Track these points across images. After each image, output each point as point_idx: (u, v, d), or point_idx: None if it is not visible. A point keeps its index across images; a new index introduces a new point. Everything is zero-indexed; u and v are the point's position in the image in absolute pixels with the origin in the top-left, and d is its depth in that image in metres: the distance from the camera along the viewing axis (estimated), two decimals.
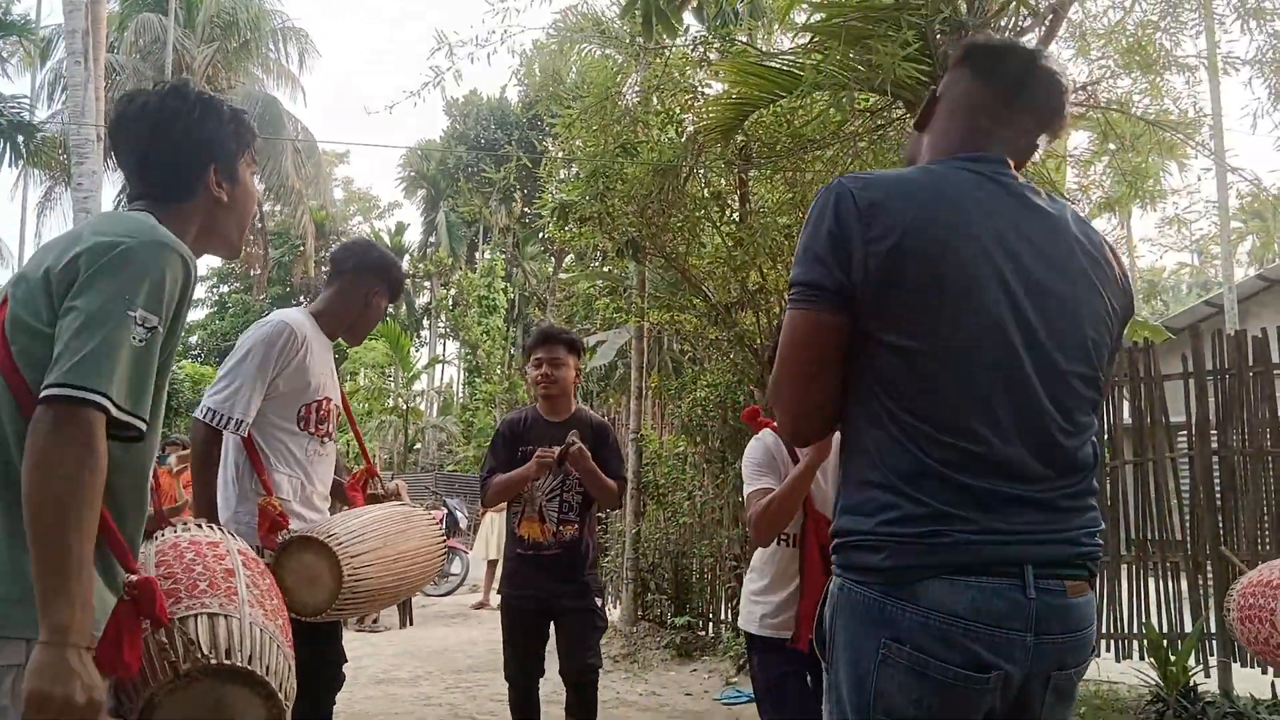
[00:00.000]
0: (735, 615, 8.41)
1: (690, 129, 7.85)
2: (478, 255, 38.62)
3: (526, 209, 32.35)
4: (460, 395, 38.47)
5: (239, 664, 1.82)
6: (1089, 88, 7.93)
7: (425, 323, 42.23)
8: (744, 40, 7.67)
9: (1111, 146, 8.62)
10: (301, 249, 35.79)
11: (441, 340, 43.19)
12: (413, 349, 37.39)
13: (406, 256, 40.09)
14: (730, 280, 7.73)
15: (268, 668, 1.87)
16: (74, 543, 1.52)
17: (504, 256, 33.70)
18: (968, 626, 1.46)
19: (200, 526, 2.26)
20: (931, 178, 1.62)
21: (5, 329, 1.70)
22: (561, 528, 4.27)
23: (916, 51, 5.42)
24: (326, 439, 3.47)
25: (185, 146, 1.94)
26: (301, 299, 39.43)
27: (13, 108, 25.60)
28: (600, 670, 4.30)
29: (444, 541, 3.68)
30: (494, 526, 12.54)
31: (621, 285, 11.31)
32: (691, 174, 7.74)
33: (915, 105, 6.38)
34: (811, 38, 6.46)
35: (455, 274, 35.70)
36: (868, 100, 7.04)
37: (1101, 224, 17.27)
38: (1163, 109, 7.92)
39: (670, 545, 8.60)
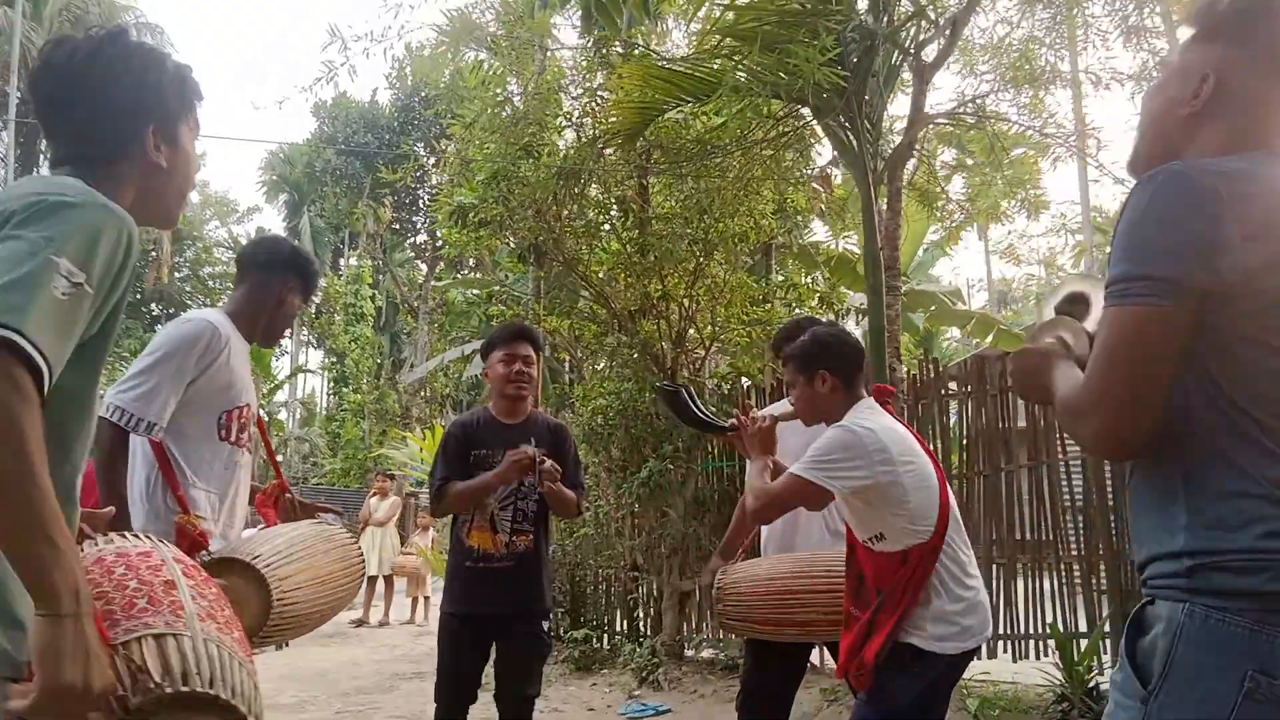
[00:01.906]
0: (631, 627, 8.29)
1: (591, 133, 7.73)
2: (343, 261, 37.63)
3: (396, 214, 31.68)
4: (325, 406, 37.36)
5: (199, 688, 1.58)
6: (976, 100, 8.14)
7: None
8: (644, 45, 7.59)
9: (980, 159, 8.90)
10: (155, 255, 34.18)
11: (304, 348, 41.90)
12: (273, 358, 36.17)
13: None
14: (632, 287, 7.62)
15: (233, 689, 1.63)
16: (31, 492, 1.29)
17: (372, 263, 32.87)
18: None
19: (125, 536, 1.98)
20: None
21: None
22: (515, 538, 3.95)
23: (834, 58, 5.41)
24: (245, 449, 3.20)
25: (121, 101, 1.70)
26: (154, 306, 37.67)
27: None
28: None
29: (362, 560, 3.44)
30: (374, 541, 12.11)
31: (507, 292, 11.10)
32: (592, 178, 7.62)
33: (823, 111, 6.41)
34: (720, 41, 6.42)
35: (320, 281, 34.70)
36: (772, 106, 7.04)
37: (971, 236, 17.80)
38: (1046, 120, 8.20)
39: (566, 557, 8.41)
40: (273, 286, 3.27)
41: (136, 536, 1.97)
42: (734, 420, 3.27)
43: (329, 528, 3.27)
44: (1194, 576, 1.44)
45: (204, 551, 2.82)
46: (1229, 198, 1.45)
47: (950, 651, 3.02)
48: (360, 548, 3.42)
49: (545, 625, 4.06)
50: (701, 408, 3.46)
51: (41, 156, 27.29)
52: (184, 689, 1.56)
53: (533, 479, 3.89)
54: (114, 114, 1.70)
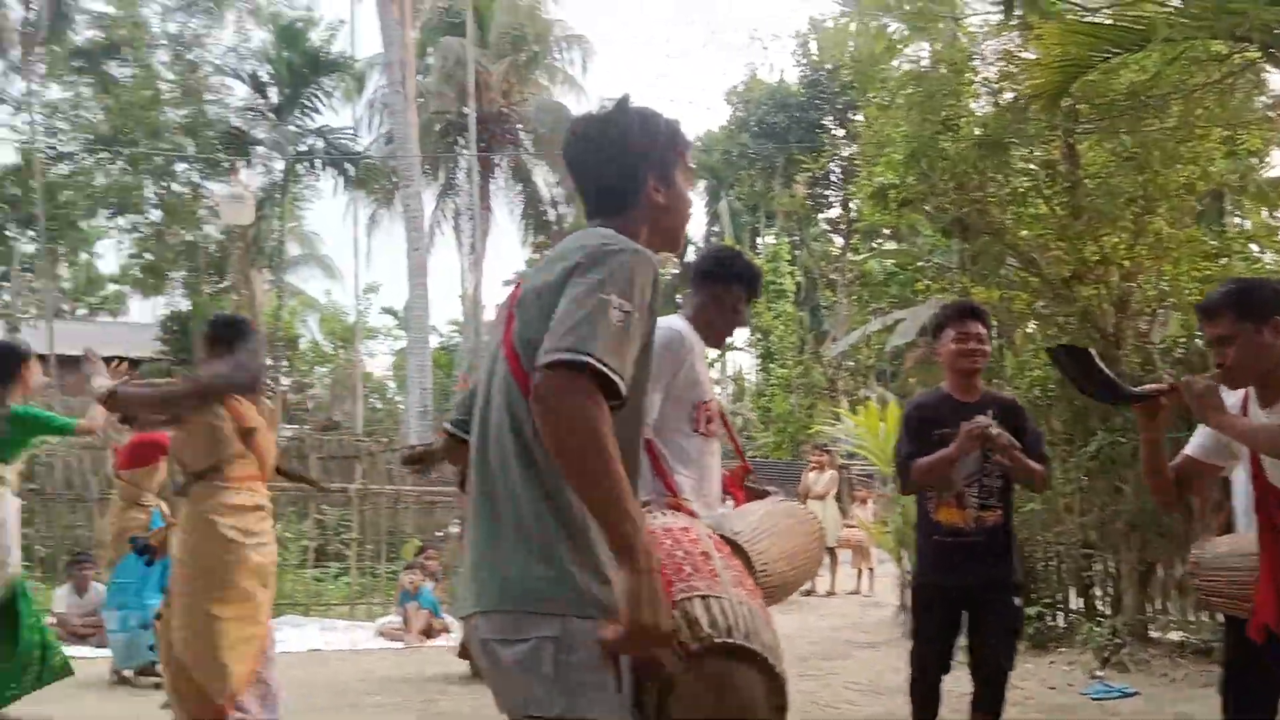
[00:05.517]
0: (1088, 605, 8.00)
1: (1009, 97, 7.55)
2: (760, 240, 38.63)
3: (809, 190, 32.06)
4: (754, 382, 38.69)
5: (740, 641, 1.89)
6: None
7: None
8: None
9: None
10: None
11: None
12: None
13: (690, 247, 40.63)
14: (1065, 252, 7.36)
15: (764, 644, 1.94)
16: (613, 473, 1.69)
17: (789, 240, 33.54)
18: None
19: (664, 513, 2.40)
20: None
21: (515, 343, 1.94)
22: (983, 513, 4.07)
23: None
24: (713, 438, 3.61)
25: (625, 162, 2.11)
26: None
27: (341, 138, 28.23)
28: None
29: (823, 533, 3.75)
30: (823, 513, 12.53)
31: (926, 261, 11.03)
32: (1014, 144, 7.45)
33: (1270, 48, 5.85)
34: None
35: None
36: (1212, 49, 6.49)
37: None
38: None
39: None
40: (729, 299, 3.61)
41: (675, 514, 2.39)
42: (1153, 386, 3.05)
43: (792, 504, 3.63)
44: None
45: None
46: None
47: None
48: (820, 522, 3.73)
49: (1016, 600, 4.16)
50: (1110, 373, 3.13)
51: (497, 167, 30.41)
52: (729, 640, 1.89)
53: (995, 454, 4.00)
54: (622, 172, 2.12)
